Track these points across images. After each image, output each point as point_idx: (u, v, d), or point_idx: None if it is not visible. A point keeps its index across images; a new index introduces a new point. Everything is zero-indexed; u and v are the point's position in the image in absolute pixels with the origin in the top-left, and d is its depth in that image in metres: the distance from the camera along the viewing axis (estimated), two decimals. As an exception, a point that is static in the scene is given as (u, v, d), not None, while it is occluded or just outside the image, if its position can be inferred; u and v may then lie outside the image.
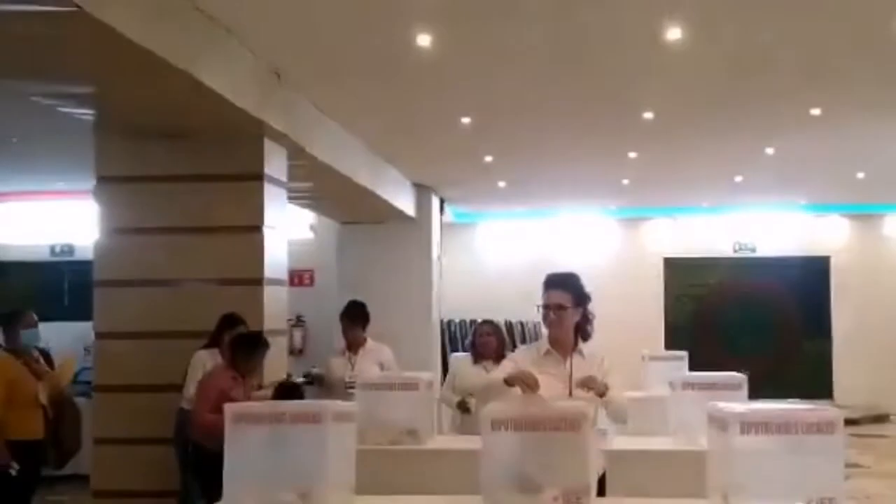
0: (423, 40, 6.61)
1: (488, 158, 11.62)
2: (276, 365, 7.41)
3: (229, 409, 3.63)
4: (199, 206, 7.59)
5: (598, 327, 4.64)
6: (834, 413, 3.36)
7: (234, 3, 5.90)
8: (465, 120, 9.35)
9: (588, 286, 4.60)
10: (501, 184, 13.87)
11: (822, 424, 3.28)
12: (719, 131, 10.21)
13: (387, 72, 7.51)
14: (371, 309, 7.79)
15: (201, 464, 6.27)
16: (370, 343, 7.66)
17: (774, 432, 3.27)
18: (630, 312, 15.84)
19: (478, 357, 7.09)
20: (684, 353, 8.54)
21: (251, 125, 7.13)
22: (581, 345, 4.55)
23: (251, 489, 3.51)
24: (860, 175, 13.24)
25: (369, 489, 3.83)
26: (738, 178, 13.55)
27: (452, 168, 12.52)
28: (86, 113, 7.17)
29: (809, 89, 8.35)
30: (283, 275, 8.17)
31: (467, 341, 7.60)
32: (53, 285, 13.78)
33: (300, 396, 6.69)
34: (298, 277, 13.73)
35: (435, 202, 14.47)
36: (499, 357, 6.52)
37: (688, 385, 5.72)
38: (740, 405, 3.63)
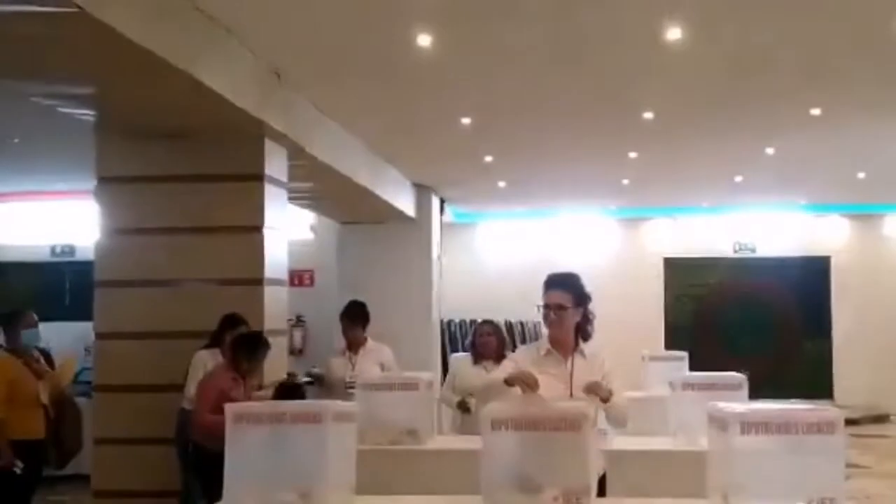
0: (424, 40, 6.61)
1: (488, 158, 11.62)
2: (276, 365, 7.41)
3: (230, 409, 3.63)
4: (200, 207, 7.59)
5: (598, 327, 4.64)
6: (834, 413, 3.36)
7: (234, 3, 5.90)
8: (466, 120, 9.35)
9: (588, 286, 4.60)
10: (501, 184, 13.87)
11: (823, 424, 3.28)
12: (719, 131, 10.21)
13: (387, 72, 7.51)
14: (371, 309, 7.79)
15: (202, 464, 6.27)
16: (370, 343, 7.67)
17: (775, 432, 3.27)
18: (630, 312, 15.84)
19: (478, 357, 7.09)
20: (684, 354, 8.54)
21: (251, 125, 7.14)
22: (582, 345, 4.55)
23: (252, 489, 3.52)
24: (860, 175, 13.24)
25: (369, 489, 3.83)
26: (739, 178, 13.55)
27: (452, 168, 12.52)
28: (86, 113, 7.17)
29: (809, 89, 8.35)
30: (284, 275, 8.18)
31: (467, 341, 7.60)
32: (54, 286, 13.78)
33: (301, 396, 6.70)
34: (299, 278, 13.73)
35: (435, 202, 14.47)
36: (499, 357, 6.53)
37: (688, 385, 5.72)
38: (740, 405, 3.63)
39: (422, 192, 13.89)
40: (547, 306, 4.49)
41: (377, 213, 12.79)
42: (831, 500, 3.25)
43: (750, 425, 3.27)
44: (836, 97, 8.64)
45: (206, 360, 6.96)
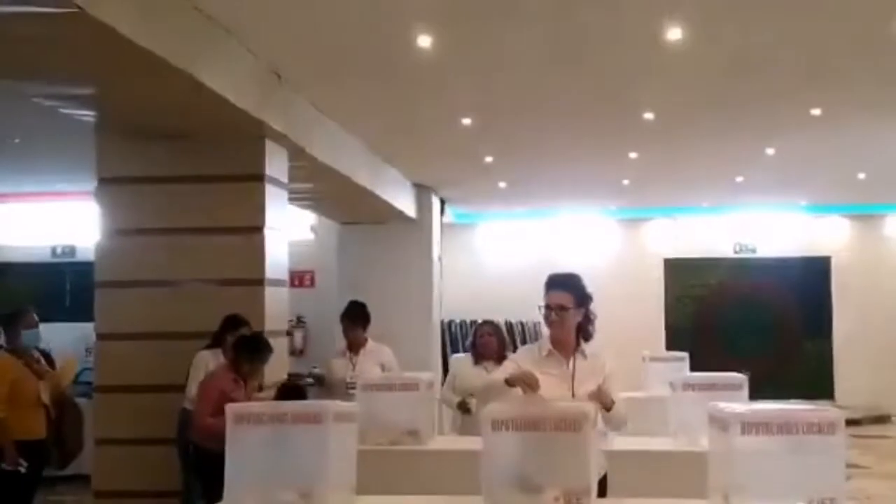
0: (424, 41, 6.61)
1: (488, 159, 11.62)
2: (277, 365, 7.41)
3: (230, 409, 3.64)
4: (200, 207, 7.60)
5: (599, 328, 4.63)
6: (835, 413, 3.36)
7: (234, 3, 5.90)
8: (466, 120, 9.35)
9: (589, 287, 4.60)
10: (502, 184, 13.87)
11: (823, 425, 3.28)
12: (720, 131, 10.21)
13: (387, 72, 7.51)
14: (371, 309, 7.79)
15: (202, 464, 6.27)
16: (371, 344, 7.67)
17: (775, 433, 3.27)
18: (630, 313, 15.82)
19: (478, 357, 7.09)
20: (685, 354, 8.55)
21: (252, 126, 7.14)
22: (583, 345, 4.55)
23: (252, 489, 3.52)
24: (861, 175, 13.24)
25: (370, 489, 3.84)
26: (739, 179, 13.54)
27: (453, 168, 12.53)
28: (87, 114, 7.18)
29: (809, 89, 8.35)
30: (284, 275, 8.18)
31: (468, 342, 7.60)
32: (55, 286, 13.80)
33: (303, 397, 6.69)
34: (299, 278, 13.74)
35: (435, 203, 14.47)
36: (499, 357, 6.52)
37: (688, 386, 5.73)
38: (741, 406, 3.64)
39: (422, 192, 13.89)
40: (548, 307, 4.48)
41: (377, 214, 12.79)
42: (832, 500, 3.25)
43: (750, 425, 3.27)
44: (836, 97, 8.64)
45: (208, 361, 6.97)
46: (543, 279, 4.57)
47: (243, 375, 6.48)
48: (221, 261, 7.56)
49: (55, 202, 13.74)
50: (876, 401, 16.32)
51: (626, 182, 13.86)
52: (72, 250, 14.04)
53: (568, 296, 4.49)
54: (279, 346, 7.47)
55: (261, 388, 6.85)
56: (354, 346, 7.62)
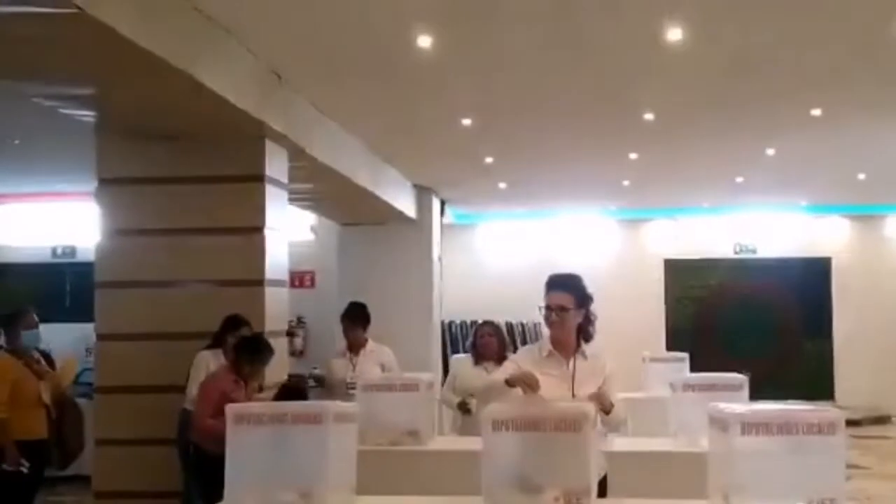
0: (424, 41, 6.61)
1: (489, 159, 11.62)
2: (277, 366, 7.41)
3: (230, 409, 3.64)
4: (200, 208, 7.60)
5: (599, 329, 4.64)
6: (835, 414, 3.36)
7: (234, 3, 5.90)
8: (466, 121, 9.35)
9: (589, 287, 4.60)
10: (502, 185, 13.87)
11: (823, 425, 3.28)
12: (720, 132, 10.21)
13: (387, 73, 7.51)
14: (372, 310, 7.80)
15: (201, 465, 6.27)
16: (371, 344, 7.68)
17: (775, 433, 3.27)
18: (631, 314, 15.82)
19: (478, 358, 7.10)
20: (685, 355, 8.55)
21: (252, 126, 7.13)
22: (583, 346, 4.55)
23: (252, 489, 3.52)
24: (861, 176, 13.23)
25: (370, 490, 3.84)
26: (739, 179, 13.54)
27: (453, 169, 12.52)
28: (87, 114, 7.17)
29: (809, 89, 8.35)
30: (284, 276, 8.18)
31: (468, 342, 7.60)
32: (55, 287, 13.80)
33: (303, 398, 6.69)
34: (299, 279, 13.74)
35: (435, 203, 14.47)
36: (500, 358, 6.53)
37: (688, 386, 5.73)
38: (741, 406, 3.64)
39: (422, 193, 13.89)
40: (548, 307, 4.49)
41: (377, 215, 12.79)
42: (832, 500, 3.25)
43: (750, 426, 3.27)
44: (836, 97, 8.63)
45: (209, 361, 6.97)
46: (543, 280, 4.57)
47: (244, 377, 6.48)
48: (221, 261, 7.56)
49: (55, 203, 13.74)
50: (876, 401, 16.31)
51: (626, 183, 13.86)
52: (72, 251, 14.04)
53: (568, 296, 4.50)
54: (279, 346, 7.47)
55: (261, 389, 6.85)
56: (355, 347, 7.64)
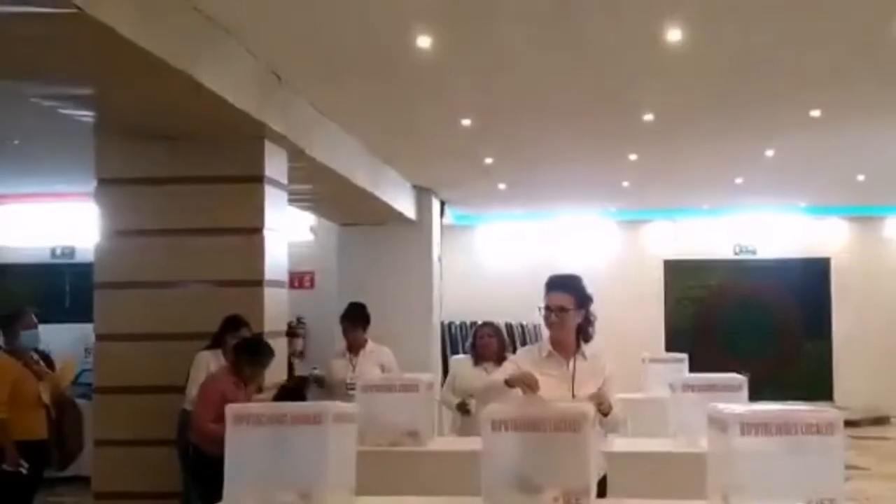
0: (423, 41, 6.60)
1: (488, 160, 11.62)
2: (276, 367, 7.40)
3: (230, 409, 3.64)
4: (200, 208, 7.59)
5: (598, 330, 4.63)
6: (834, 414, 3.36)
7: (234, 3, 5.89)
8: (465, 121, 9.35)
9: (589, 288, 4.60)
10: (501, 186, 13.87)
11: (822, 425, 3.29)
12: (719, 133, 10.21)
13: (387, 73, 7.51)
14: (371, 311, 7.80)
15: (201, 467, 6.26)
16: (371, 345, 7.68)
17: (774, 433, 3.27)
18: (630, 315, 15.82)
19: (478, 359, 7.10)
20: (684, 356, 8.53)
21: (251, 127, 7.13)
22: (583, 346, 4.55)
23: (252, 490, 3.52)
24: (860, 177, 13.23)
25: (369, 490, 3.84)
26: (739, 180, 13.54)
27: (452, 170, 12.52)
28: (86, 114, 7.17)
29: (809, 90, 8.35)
30: (284, 277, 8.17)
31: (468, 343, 7.60)
32: (54, 287, 13.79)
33: (302, 399, 6.69)
34: (299, 280, 13.74)
35: (435, 204, 14.47)
36: (499, 359, 6.53)
37: (688, 387, 5.72)
38: (740, 406, 3.64)
39: (422, 194, 13.89)
40: (548, 308, 4.49)
41: (377, 215, 12.79)
42: (831, 500, 3.26)
43: (750, 426, 3.27)
44: (835, 98, 8.63)
45: (209, 361, 6.96)
46: (543, 281, 4.57)
47: (244, 379, 6.48)
48: (221, 262, 7.56)
49: (54, 203, 13.74)
50: (875, 402, 16.32)
51: (625, 184, 13.86)
52: (71, 251, 14.04)
53: (568, 297, 4.50)
54: (279, 347, 7.47)
55: (260, 390, 6.84)
56: (354, 347, 7.64)
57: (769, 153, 11.24)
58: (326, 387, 7.75)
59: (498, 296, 15.24)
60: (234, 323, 7.03)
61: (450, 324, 15.28)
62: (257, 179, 7.57)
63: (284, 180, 8.07)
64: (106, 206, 7.75)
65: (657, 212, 17.37)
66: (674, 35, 6.56)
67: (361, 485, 3.76)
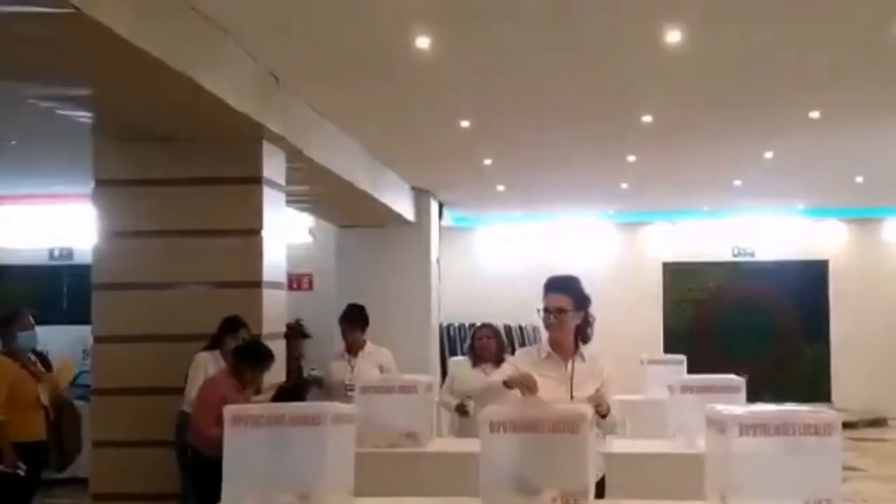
0: (422, 42, 6.60)
1: (487, 162, 11.62)
2: (274, 368, 7.39)
3: (228, 410, 3.63)
4: (198, 210, 7.59)
5: (597, 331, 4.64)
6: (832, 415, 3.36)
7: (232, 4, 5.89)
8: (464, 123, 9.34)
9: (587, 289, 4.59)
10: (500, 187, 13.87)
11: (820, 426, 3.29)
12: (718, 135, 10.21)
13: (385, 74, 7.50)
14: (370, 312, 7.79)
15: (199, 468, 6.25)
16: (369, 346, 7.68)
17: (772, 434, 3.27)
18: (629, 317, 15.84)
19: (477, 360, 7.10)
20: (683, 357, 8.53)
21: (250, 128, 7.13)
22: (581, 348, 4.55)
23: (250, 491, 3.52)
24: (859, 179, 13.23)
25: (368, 491, 3.83)
26: (737, 182, 13.54)
27: (451, 171, 12.52)
28: (84, 115, 7.16)
29: (808, 91, 8.35)
30: (282, 278, 8.17)
31: (466, 344, 7.60)
32: (52, 289, 13.77)
33: (300, 399, 6.68)
34: (297, 281, 13.72)
35: (434, 206, 14.47)
36: (498, 360, 6.54)
37: (686, 388, 5.72)
38: (739, 407, 3.63)
39: (420, 195, 13.89)
40: (547, 309, 4.49)
41: (376, 217, 12.79)
42: (828, 501, 3.26)
43: (748, 427, 3.27)
44: (835, 100, 8.63)
45: (208, 362, 6.95)
46: (542, 283, 4.57)
47: (244, 382, 6.47)
48: (219, 263, 7.55)
49: (52, 204, 13.72)
50: (873, 404, 16.33)
51: (624, 185, 13.86)
52: (69, 253, 14.01)
53: (567, 298, 4.50)
54: (277, 348, 7.46)
55: (258, 391, 6.84)
56: (353, 349, 7.63)
57: (768, 155, 11.25)
58: (325, 388, 7.74)
59: (496, 297, 15.25)
60: (232, 324, 7.02)
61: (448, 325, 15.29)
62: (255, 181, 7.57)
63: (282, 181, 8.06)
64: (104, 208, 7.74)
65: (656, 214, 17.38)
66: (673, 36, 6.56)
67: (360, 486, 3.75)
